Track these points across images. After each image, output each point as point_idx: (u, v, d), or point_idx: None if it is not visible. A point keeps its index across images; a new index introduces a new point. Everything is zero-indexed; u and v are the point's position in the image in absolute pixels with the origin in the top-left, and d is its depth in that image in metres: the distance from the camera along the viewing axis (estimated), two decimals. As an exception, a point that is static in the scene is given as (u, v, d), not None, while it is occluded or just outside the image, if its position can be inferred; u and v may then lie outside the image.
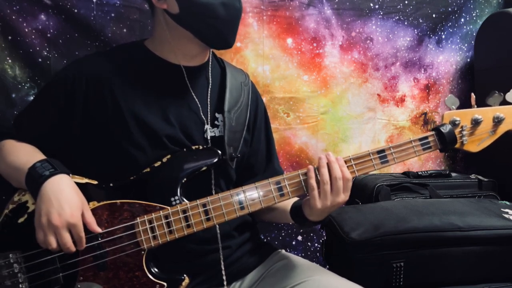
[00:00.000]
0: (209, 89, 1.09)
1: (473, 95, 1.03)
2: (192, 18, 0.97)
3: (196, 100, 1.06)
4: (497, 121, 1.00)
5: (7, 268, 0.87)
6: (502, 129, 1.01)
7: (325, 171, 0.91)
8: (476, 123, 1.00)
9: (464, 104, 1.03)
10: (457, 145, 0.99)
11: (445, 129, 0.98)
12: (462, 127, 0.99)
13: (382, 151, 0.97)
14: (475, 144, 1.01)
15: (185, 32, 1.00)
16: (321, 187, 0.91)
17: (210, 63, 1.12)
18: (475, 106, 1.02)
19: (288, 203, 1.05)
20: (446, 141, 0.97)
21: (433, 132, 0.99)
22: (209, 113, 1.06)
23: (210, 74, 1.11)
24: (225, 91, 1.10)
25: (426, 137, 0.99)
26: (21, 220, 0.90)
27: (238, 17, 1.02)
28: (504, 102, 1.01)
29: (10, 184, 0.97)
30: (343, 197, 0.92)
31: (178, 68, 1.05)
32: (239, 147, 1.08)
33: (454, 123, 0.99)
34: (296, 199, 1.05)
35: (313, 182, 0.92)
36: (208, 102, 1.08)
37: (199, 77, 1.09)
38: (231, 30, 1.02)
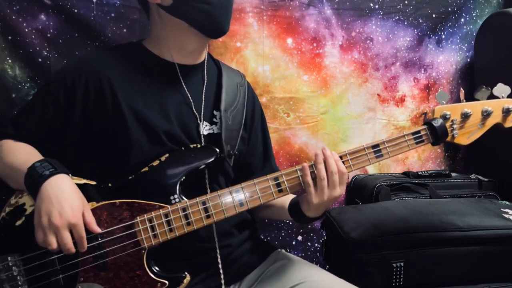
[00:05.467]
0: (205, 87, 1.10)
1: (462, 90, 1.07)
2: (186, 6, 0.99)
3: (189, 96, 1.06)
4: (486, 115, 1.03)
5: (6, 271, 0.87)
6: (490, 122, 1.05)
7: (322, 167, 0.93)
8: (465, 116, 1.02)
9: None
10: (448, 138, 1.02)
11: (437, 123, 1.00)
12: (452, 120, 1.02)
13: (377, 145, 0.99)
14: (465, 137, 1.04)
15: (180, 23, 1.01)
16: (318, 183, 0.93)
17: (206, 63, 1.13)
18: (464, 100, 1.04)
19: (286, 200, 1.06)
20: (437, 134, 1.00)
21: (425, 126, 1.02)
22: (203, 109, 1.07)
23: (206, 73, 1.12)
24: (221, 91, 1.11)
25: (418, 131, 1.01)
26: (18, 222, 0.90)
27: (231, 2, 1.04)
28: (492, 97, 1.04)
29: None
30: (339, 190, 0.94)
31: (172, 65, 1.06)
32: (236, 145, 1.09)
33: (445, 117, 1.02)
34: (294, 196, 1.06)
35: (308, 179, 0.94)
36: (203, 98, 1.08)
37: (194, 75, 1.10)
38: (225, 16, 1.03)
